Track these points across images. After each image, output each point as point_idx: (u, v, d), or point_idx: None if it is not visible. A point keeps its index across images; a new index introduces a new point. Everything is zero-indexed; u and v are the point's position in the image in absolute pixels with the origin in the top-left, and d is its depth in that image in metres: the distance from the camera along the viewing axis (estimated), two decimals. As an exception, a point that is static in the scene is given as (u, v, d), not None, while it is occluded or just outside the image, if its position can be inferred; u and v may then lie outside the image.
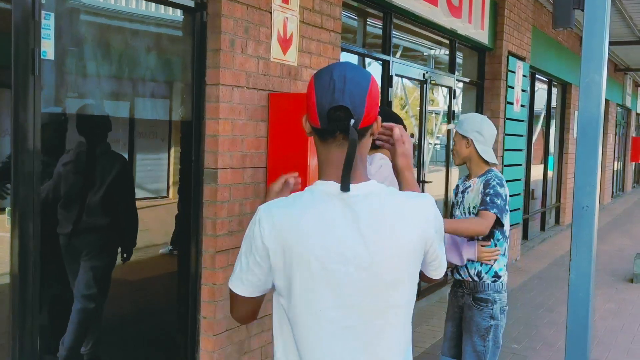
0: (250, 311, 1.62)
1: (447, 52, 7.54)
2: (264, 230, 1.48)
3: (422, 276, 1.65)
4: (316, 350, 1.48)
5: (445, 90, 7.77)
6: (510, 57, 8.04)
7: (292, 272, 1.47)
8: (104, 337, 3.50)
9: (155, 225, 3.83)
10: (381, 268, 1.47)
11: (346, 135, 1.47)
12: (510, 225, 4.97)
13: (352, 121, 1.45)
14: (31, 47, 2.73)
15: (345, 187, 1.46)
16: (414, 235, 1.50)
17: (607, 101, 15.30)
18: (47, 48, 2.82)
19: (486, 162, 3.31)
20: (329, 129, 1.47)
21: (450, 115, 7.53)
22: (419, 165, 6.63)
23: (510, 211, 3.41)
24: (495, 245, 3.24)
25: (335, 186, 1.48)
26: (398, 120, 3.73)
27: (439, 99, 8.82)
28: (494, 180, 3.19)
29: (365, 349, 1.48)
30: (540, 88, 11.17)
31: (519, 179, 8.73)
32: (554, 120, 12.21)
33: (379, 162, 2.82)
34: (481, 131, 3.27)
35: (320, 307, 1.46)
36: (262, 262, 1.50)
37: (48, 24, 2.82)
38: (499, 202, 3.14)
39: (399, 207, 1.51)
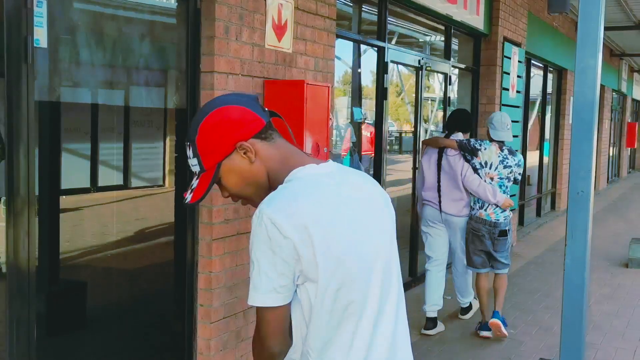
0: (288, 321, 1.49)
1: (443, 39, 7.51)
2: (280, 225, 1.41)
3: None
4: (331, 331, 1.47)
5: (440, 76, 7.76)
6: (505, 43, 8.02)
7: (317, 258, 1.42)
8: (102, 326, 3.51)
9: (151, 214, 3.83)
10: (384, 240, 1.55)
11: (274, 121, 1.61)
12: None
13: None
14: (24, 35, 2.71)
15: None
16: (390, 207, 1.64)
17: (602, 87, 15.31)
18: (40, 36, 2.79)
19: None
20: (270, 117, 1.59)
21: (445, 102, 7.52)
22: (415, 151, 6.63)
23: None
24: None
25: (315, 167, 1.52)
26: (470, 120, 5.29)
27: (435, 86, 8.81)
28: None
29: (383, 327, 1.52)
30: (536, 74, 11.15)
31: (515, 165, 8.71)
32: (550, 106, 12.20)
33: None
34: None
35: (345, 290, 1.46)
36: (289, 259, 1.42)
37: (41, 11, 2.79)
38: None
39: (371, 182, 1.62)
